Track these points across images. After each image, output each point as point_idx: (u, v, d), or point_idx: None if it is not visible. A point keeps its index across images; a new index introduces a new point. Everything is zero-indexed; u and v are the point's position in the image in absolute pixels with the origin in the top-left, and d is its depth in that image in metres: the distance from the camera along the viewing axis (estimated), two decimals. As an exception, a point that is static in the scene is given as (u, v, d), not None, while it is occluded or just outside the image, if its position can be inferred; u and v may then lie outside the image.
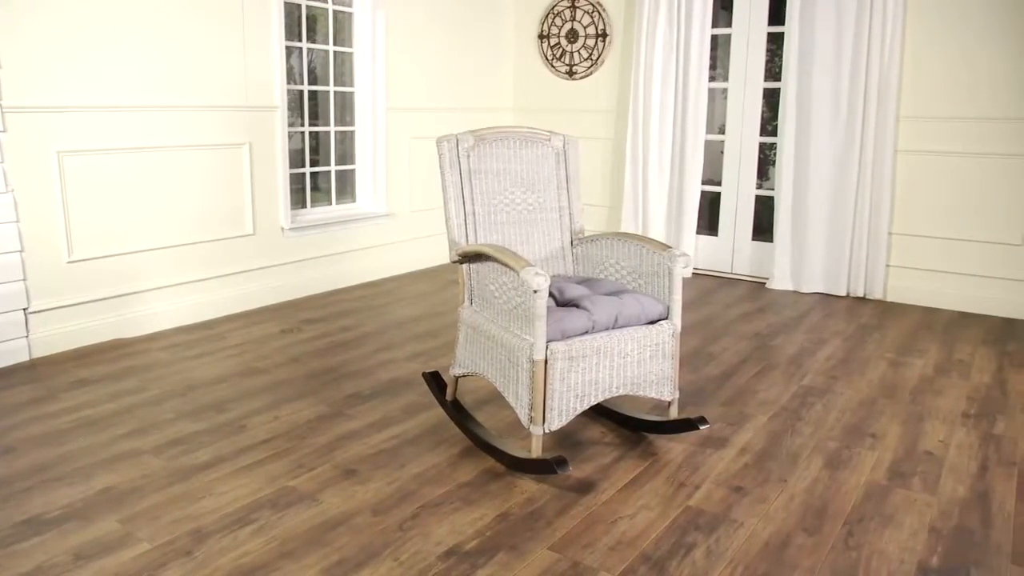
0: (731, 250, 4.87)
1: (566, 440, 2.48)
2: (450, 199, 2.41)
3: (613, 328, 2.23)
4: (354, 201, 4.68)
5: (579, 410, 2.17)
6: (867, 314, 4.09)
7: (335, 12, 4.41)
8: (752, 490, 2.19)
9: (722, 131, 4.83)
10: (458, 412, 2.54)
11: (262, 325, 3.71)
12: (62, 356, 3.21)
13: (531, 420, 2.11)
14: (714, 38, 4.78)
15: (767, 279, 4.70)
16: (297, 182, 4.37)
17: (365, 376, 3.04)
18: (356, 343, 3.46)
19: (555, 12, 5.14)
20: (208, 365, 3.14)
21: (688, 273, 4.89)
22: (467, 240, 2.43)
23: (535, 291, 2.01)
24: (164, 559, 1.83)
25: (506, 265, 2.13)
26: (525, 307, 2.08)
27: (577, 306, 2.23)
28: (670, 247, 2.37)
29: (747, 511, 2.08)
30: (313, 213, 4.37)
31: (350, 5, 4.47)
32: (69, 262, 3.25)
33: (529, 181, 2.57)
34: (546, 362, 2.07)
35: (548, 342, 2.08)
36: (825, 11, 4.22)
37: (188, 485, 2.17)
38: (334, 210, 4.51)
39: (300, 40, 4.24)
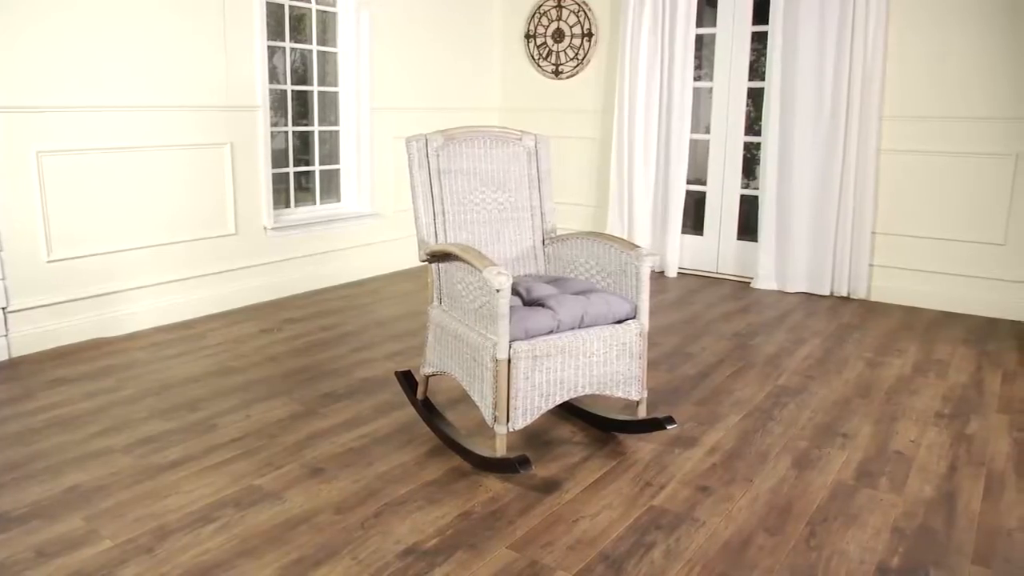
0: (716, 250, 4.87)
1: (535, 439, 2.49)
2: (418, 198, 2.41)
3: (579, 327, 2.23)
4: (339, 201, 4.69)
5: (544, 409, 2.17)
6: (849, 314, 4.09)
7: (319, 12, 4.41)
8: (717, 489, 2.19)
9: (707, 130, 4.83)
10: (428, 411, 2.55)
11: (243, 325, 3.72)
12: (41, 355, 3.22)
13: (495, 419, 2.11)
14: (699, 37, 4.77)
15: (751, 279, 4.70)
16: (283, 182, 4.37)
17: (341, 375, 3.04)
18: (335, 342, 3.47)
19: (541, 12, 5.14)
20: (186, 364, 3.14)
21: (673, 273, 4.89)
22: (436, 240, 2.43)
23: (497, 290, 2.01)
24: (125, 556, 1.83)
25: (471, 264, 2.13)
26: (490, 306, 2.08)
27: (543, 305, 2.23)
28: (638, 246, 2.37)
29: (710, 511, 2.08)
30: (297, 213, 4.38)
31: (334, 5, 4.47)
32: (48, 261, 3.26)
33: (500, 180, 2.57)
34: (509, 361, 2.07)
35: (511, 341, 2.08)
36: (808, 10, 4.22)
37: (155, 483, 2.18)
38: (318, 210, 4.52)
39: (284, 40, 4.24)
